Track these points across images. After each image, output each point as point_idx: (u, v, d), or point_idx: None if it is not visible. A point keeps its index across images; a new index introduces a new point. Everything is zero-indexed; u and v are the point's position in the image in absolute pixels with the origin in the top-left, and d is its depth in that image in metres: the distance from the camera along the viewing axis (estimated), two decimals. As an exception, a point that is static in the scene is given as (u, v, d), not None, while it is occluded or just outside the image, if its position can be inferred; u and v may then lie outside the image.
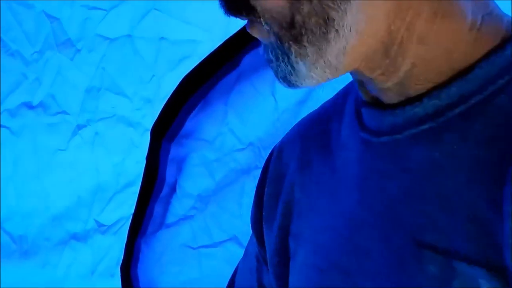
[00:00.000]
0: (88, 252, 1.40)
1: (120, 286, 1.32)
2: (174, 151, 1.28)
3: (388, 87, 0.61)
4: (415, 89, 0.60)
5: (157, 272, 1.34)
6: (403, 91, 0.61)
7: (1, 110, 1.47)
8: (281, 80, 0.60)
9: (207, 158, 1.28)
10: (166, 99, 1.25)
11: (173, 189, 1.31)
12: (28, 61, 1.44)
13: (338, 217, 0.66)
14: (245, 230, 1.30)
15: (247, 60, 1.22)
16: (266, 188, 0.77)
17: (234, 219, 1.29)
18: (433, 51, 0.59)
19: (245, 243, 1.34)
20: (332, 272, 0.64)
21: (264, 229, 0.78)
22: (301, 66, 0.58)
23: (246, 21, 0.60)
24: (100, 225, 1.39)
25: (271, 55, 0.59)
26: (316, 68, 0.58)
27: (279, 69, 0.59)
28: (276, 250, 0.75)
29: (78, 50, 1.37)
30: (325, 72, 0.59)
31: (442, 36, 0.59)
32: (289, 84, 0.60)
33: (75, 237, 1.42)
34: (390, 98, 0.62)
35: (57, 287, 1.42)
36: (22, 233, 1.48)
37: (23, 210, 1.48)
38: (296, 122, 1.21)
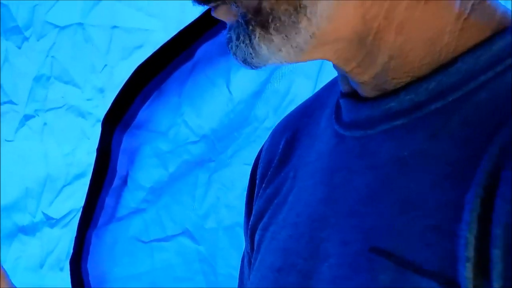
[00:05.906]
0: (37, 245, 1.37)
1: (70, 279, 1.29)
2: (126, 142, 1.26)
3: (365, 81, 0.57)
4: (392, 83, 0.55)
5: (108, 266, 1.32)
6: (380, 85, 0.56)
7: None
8: (240, 61, 0.55)
9: (160, 149, 1.25)
10: (119, 89, 1.22)
11: (124, 181, 1.28)
12: (-28, 48, 1.39)
13: (301, 214, 0.61)
14: (198, 224, 1.29)
15: (202, 50, 1.20)
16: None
17: (187, 212, 1.27)
18: (414, 42, 0.54)
19: (198, 237, 1.33)
20: (289, 273, 0.59)
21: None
22: (263, 50, 0.53)
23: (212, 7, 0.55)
24: (48, 218, 1.36)
25: (232, 33, 0.54)
26: (281, 51, 0.54)
27: (238, 50, 0.54)
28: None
29: (26, 38, 1.33)
30: (290, 54, 0.54)
31: (424, 24, 0.54)
32: (249, 65, 0.55)
33: (23, 230, 1.38)
34: (368, 92, 0.57)
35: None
36: (-34, 226, 1.44)
37: (-33, 202, 1.44)
38: (251, 114, 1.21)
